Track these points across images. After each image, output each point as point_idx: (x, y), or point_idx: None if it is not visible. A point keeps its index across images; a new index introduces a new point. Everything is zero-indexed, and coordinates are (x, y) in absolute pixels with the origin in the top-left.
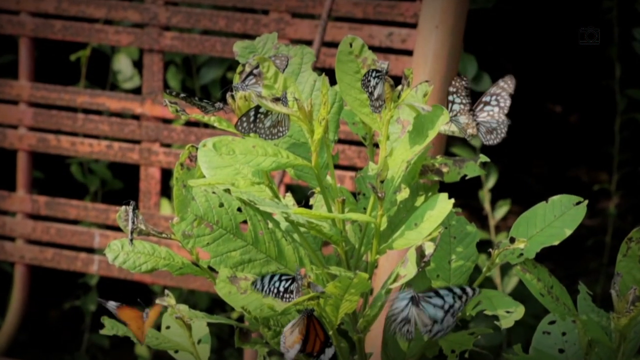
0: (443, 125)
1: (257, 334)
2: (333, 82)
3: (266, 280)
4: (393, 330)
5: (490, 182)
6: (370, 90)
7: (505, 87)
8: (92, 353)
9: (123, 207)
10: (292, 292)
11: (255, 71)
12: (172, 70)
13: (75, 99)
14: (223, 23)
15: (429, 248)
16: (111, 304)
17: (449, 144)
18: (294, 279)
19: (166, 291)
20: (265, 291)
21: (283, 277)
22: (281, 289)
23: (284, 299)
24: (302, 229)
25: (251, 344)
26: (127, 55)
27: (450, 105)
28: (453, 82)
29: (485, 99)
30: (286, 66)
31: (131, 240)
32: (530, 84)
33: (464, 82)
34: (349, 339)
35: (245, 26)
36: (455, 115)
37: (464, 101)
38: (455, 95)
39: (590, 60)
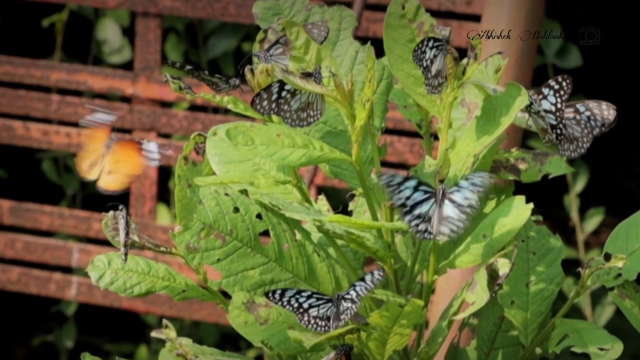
0: (519, 111)
1: None
2: (380, 53)
3: (289, 293)
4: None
5: (579, 185)
6: (426, 65)
7: (604, 114)
8: None
9: (111, 213)
10: (328, 318)
11: (280, 39)
12: (173, 40)
13: (49, 76)
14: None
15: (503, 267)
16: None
17: (526, 135)
18: (330, 301)
19: (164, 321)
20: (283, 303)
21: (315, 295)
22: (305, 305)
23: (316, 326)
24: (339, 242)
25: None
26: (114, 20)
27: (539, 97)
28: (559, 79)
29: (580, 107)
30: (325, 37)
31: (125, 254)
32: (627, 61)
33: (569, 85)
34: None
35: None
36: (538, 112)
37: (559, 106)
38: (552, 92)
39: None
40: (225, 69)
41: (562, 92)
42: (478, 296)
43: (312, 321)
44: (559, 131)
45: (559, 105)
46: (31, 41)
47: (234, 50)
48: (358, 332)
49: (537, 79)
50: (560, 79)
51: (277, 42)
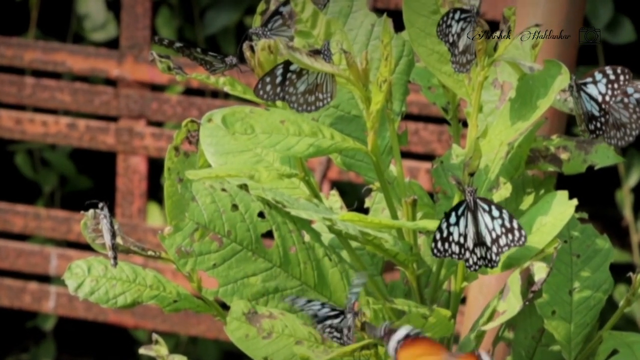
0: (560, 92)
1: None
2: (399, 27)
3: (300, 301)
4: None
5: (633, 179)
6: (452, 40)
7: None
8: None
9: (91, 211)
10: (341, 330)
11: (283, 10)
12: (164, 14)
13: (22, 56)
14: None
15: (539, 272)
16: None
17: (570, 121)
18: (342, 313)
19: (154, 335)
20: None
21: (326, 306)
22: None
23: (331, 335)
24: (354, 244)
25: None
26: None
27: (589, 81)
28: (617, 70)
29: (628, 88)
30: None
31: (114, 258)
32: None
33: (627, 80)
34: None
35: None
36: (577, 98)
37: (607, 98)
38: (605, 81)
39: None
40: (225, 47)
41: (615, 85)
42: (510, 304)
43: (328, 330)
44: (598, 124)
45: (607, 98)
46: (2, 16)
47: (235, 26)
48: (375, 347)
49: (583, 57)
50: (619, 71)
51: (275, 12)
